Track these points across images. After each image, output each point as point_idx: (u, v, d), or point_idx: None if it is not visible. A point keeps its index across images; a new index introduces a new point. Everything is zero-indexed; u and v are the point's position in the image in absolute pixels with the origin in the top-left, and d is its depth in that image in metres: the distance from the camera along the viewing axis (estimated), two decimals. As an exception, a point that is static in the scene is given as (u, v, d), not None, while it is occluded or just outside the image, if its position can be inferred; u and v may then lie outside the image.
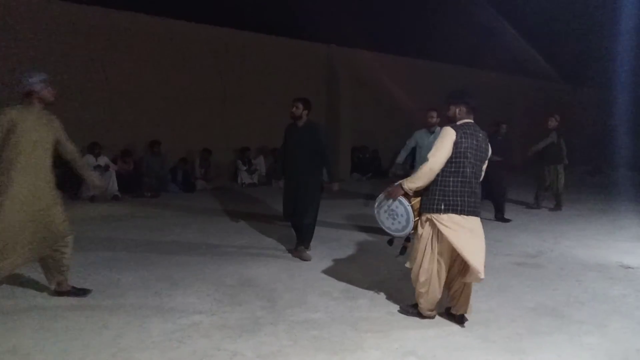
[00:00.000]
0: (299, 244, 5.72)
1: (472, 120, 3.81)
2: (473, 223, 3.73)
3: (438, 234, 3.72)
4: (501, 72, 18.14)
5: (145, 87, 10.90)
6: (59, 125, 4.07)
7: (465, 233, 3.66)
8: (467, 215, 3.69)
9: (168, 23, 11.37)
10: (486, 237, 6.82)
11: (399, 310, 4.09)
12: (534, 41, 17.47)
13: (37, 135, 3.89)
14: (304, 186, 5.53)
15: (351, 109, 14.25)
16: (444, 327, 3.82)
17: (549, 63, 18.93)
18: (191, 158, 11.38)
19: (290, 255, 5.76)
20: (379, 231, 5.65)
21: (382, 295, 4.43)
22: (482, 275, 3.62)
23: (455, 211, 3.67)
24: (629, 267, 5.64)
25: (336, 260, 5.62)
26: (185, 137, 11.46)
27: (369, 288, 4.63)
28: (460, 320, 3.87)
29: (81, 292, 4.21)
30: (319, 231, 6.92)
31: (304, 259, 5.58)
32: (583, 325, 3.92)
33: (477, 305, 4.31)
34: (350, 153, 14.37)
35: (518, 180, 11.52)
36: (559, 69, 19.22)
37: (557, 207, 9.46)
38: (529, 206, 9.68)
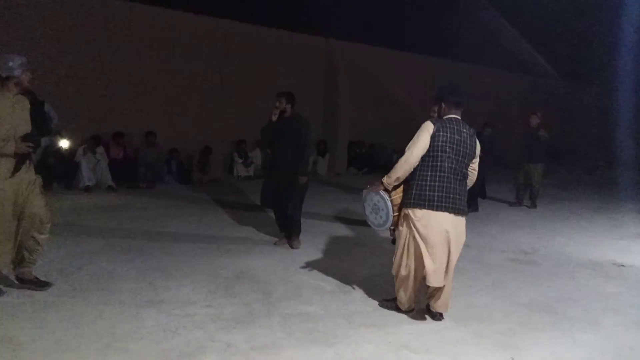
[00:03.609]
0: (287, 236, 5.86)
1: (457, 116, 3.77)
2: (450, 221, 3.65)
3: (413, 230, 3.68)
4: (500, 69, 18.14)
5: (142, 78, 10.84)
6: (28, 108, 3.92)
7: (436, 235, 3.61)
8: (443, 211, 3.62)
9: (166, 13, 11.28)
10: (481, 234, 6.95)
11: (379, 304, 4.06)
12: (533, 38, 17.45)
13: (14, 122, 3.82)
14: (290, 178, 5.57)
15: (349, 104, 14.22)
16: (438, 322, 3.82)
17: (549, 61, 18.93)
18: (186, 149, 11.32)
19: (284, 247, 5.75)
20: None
21: (377, 289, 4.42)
22: (435, 283, 3.63)
23: (431, 207, 3.60)
24: (623, 265, 5.67)
25: (331, 254, 5.63)
26: (182, 128, 11.40)
27: (363, 282, 4.63)
28: (438, 317, 3.85)
29: (42, 284, 4.08)
30: (315, 225, 6.93)
31: (294, 247, 5.72)
32: (576, 322, 3.94)
33: (471, 301, 4.34)
34: (347, 147, 14.35)
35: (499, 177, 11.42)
36: (558, 67, 19.21)
37: (533, 205, 9.31)
38: (511, 204, 9.48)
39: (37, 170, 9.31)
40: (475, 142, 3.79)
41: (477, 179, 8.32)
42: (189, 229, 6.51)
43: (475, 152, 3.78)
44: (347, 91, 14.15)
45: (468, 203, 8.05)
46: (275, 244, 5.85)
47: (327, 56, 14.20)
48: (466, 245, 6.23)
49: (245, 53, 12.43)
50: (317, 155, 13.24)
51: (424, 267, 3.68)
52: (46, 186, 8.55)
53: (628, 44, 15.88)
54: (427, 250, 3.63)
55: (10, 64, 3.81)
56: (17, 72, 3.83)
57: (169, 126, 11.07)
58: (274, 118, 5.63)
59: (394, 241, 4.11)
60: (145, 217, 7.13)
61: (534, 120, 9.11)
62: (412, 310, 3.92)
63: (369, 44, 14.68)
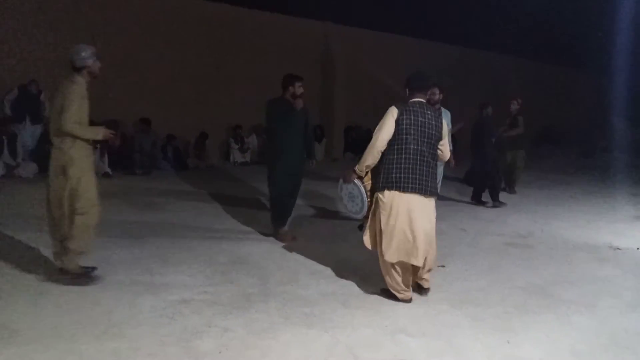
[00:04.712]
0: (285, 224, 5.61)
1: (422, 99, 3.90)
2: (416, 202, 3.73)
3: (381, 211, 3.78)
4: (497, 53, 18.04)
5: (137, 63, 10.74)
6: (65, 90, 3.96)
7: (398, 215, 3.70)
8: (409, 192, 3.71)
9: (161, -2, 11.17)
10: (477, 218, 6.98)
11: (378, 294, 4.03)
12: (531, 23, 17.31)
13: (87, 109, 3.97)
14: (300, 166, 5.56)
15: (346, 88, 14.14)
16: (434, 306, 3.84)
17: (546, 44, 18.82)
18: (182, 135, 11.27)
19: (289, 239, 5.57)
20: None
21: (373, 274, 4.42)
22: (390, 259, 3.73)
23: (398, 188, 3.72)
24: (618, 249, 5.69)
25: (328, 239, 5.64)
26: (178, 114, 11.33)
27: (360, 266, 4.64)
28: (424, 292, 4.02)
29: (88, 270, 4.16)
30: (311, 210, 6.94)
31: (294, 238, 5.53)
32: (572, 305, 3.96)
33: (467, 284, 4.35)
34: (344, 132, 14.30)
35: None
36: (556, 52, 19.11)
37: (512, 190, 9.20)
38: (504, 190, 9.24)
39: (34, 158, 9.32)
40: (441, 124, 3.89)
41: (483, 167, 8.18)
42: (185, 216, 6.50)
43: (441, 133, 3.88)
44: (344, 75, 14.07)
45: (491, 196, 8.13)
46: (293, 238, 5.49)
47: (323, 40, 14.08)
48: (462, 230, 6.32)
49: (240, 37, 12.32)
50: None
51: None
52: (43, 173, 8.63)
53: (625, 28, 15.79)
54: (387, 229, 3.74)
55: (83, 54, 4.01)
56: (89, 62, 4.03)
57: (165, 112, 11.00)
58: (299, 107, 5.38)
59: (360, 227, 4.29)
60: (141, 203, 7.11)
61: (514, 106, 9.00)
62: (409, 300, 3.89)
63: (366, 28, 14.56)
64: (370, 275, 4.41)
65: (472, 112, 8.57)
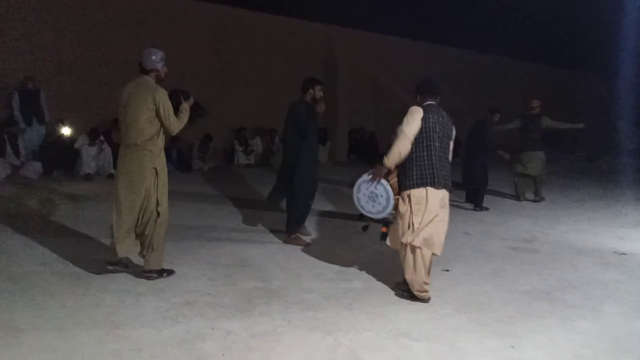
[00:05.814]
0: (302, 225, 5.68)
1: (434, 103, 4.05)
2: (443, 196, 3.93)
3: (416, 205, 3.86)
4: (500, 55, 18.00)
5: (141, 65, 10.76)
6: (159, 98, 4.02)
7: (433, 209, 3.84)
8: (442, 188, 3.90)
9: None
10: (481, 222, 6.96)
11: (395, 294, 4.08)
12: (533, 25, 17.30)
13: (133, 107, 4.03)
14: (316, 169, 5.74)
15: (349, 91, 14.14)
16: (437, 310, 3.83)
17: (550, 46, 18.78)
18: (187, 137, 11.27)
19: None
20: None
21: (377, 277, 4.43)
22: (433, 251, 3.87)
23: (432, 184, 3.85)
24: (623, 254, 5.66)
25: (331, 242, 5.63)
26: (182, 116, 11.33)
27: (363, 269, 4.64)
28: None
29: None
30: (314, 213, 6.93)
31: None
32: (576, 310, 3.94)
33: (471, 288, 4.34)
34: (347, 135, 14.30)
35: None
36: (559, 54, 19.07)
37: (541, 197, 8.87)
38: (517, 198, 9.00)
39: (39, 158, 9.35)
40: (452, 126, 4.09)
41: (480, 171, 8.13)
42: (189, 217, 6.51)
43: (452, 134, 4.09)
44: (348, 78, 14.07)
45: (475, 202, 8.06)
46: (309, 240, 5.56)
47: (327, 43, 14.09)
48: (467, 234, 6.30)
49: (244, 40, 12.35)
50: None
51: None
52: (47, 174, 8.67)
53: (630, 30, 15.76)
54: (422, 224, 3.84)
55: (153, 57, 4.10)
56: (158, 66, 4.13)
57: (169, 114, 10.99)
58: (322, 110, 5.37)
59: (365, 228, 4.36)
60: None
61: (537, 107, 8.84)
62: (428, 297, 3.95)
63: (370, 31, 14.57)
64: (374, 278, 4.41)
65: (474, 115, 8.52)
